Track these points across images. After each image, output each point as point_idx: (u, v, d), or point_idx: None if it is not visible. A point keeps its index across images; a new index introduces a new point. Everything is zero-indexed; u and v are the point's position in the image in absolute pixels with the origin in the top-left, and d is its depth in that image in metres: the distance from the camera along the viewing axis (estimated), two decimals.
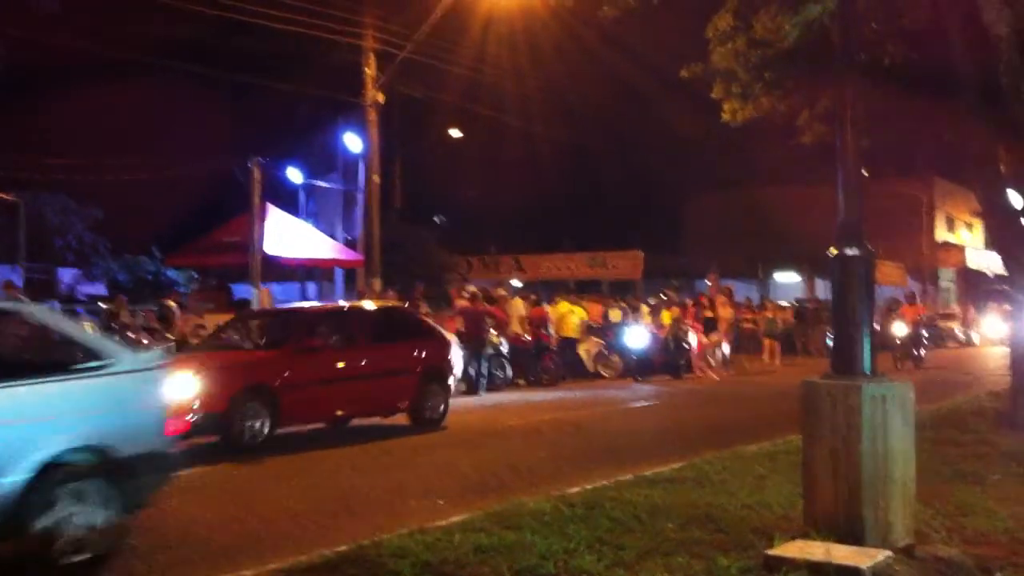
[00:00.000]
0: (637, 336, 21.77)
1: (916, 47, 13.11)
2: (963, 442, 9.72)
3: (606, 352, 22.38)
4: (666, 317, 22.47)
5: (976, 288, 48.84)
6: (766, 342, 26.41)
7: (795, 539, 5.60)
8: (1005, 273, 12.75)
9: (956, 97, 11.58)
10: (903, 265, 44.62)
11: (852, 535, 5.50)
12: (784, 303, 37.37)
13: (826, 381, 5.83)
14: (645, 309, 23.78)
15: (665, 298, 24.09)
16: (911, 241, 45.51)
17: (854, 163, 6.11)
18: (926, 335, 26.51)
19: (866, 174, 6.27)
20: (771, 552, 5.37)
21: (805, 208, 35.49)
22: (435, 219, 34.70)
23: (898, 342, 24.09)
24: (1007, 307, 39.99)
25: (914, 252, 46.03)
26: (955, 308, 44.90)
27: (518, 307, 21.73)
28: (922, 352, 24.70)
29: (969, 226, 52.38)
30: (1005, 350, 21.61)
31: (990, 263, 46.29)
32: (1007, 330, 18.80)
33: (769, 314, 27.35)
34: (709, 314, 23.14)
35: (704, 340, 22.54)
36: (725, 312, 23.35)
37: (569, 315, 22.54)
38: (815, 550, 5.28)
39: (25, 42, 24.56)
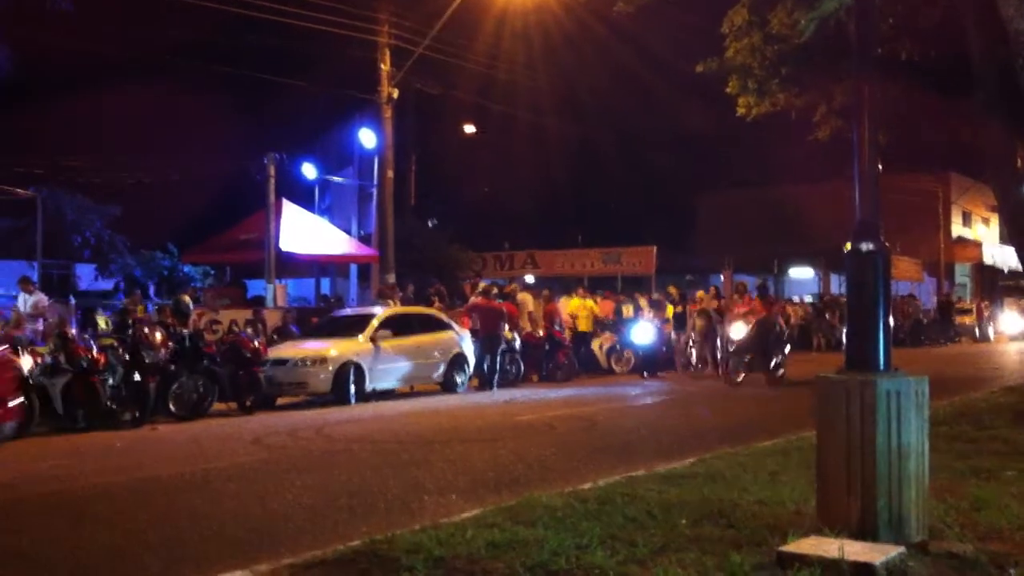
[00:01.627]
0: (643, 332, 21.72)
1: (933, 42, 13.08)
2: (978, 438, 9.68)
3: (619, 348, 22.39)
4: (670, 312, 22.37)
5: (992, 283, 48.60)
6: None
7: (808, 535, 5.58)
8: (1021, 268, 12.71)
9: (973, 93, 11.55)
10: (919, 260, 44.45)
11: (866, 531, 5.48)
12: (796, 298, 37.29)
13: (840, 376, 5.82)
14: (644, 303, 23.68)
15: (671, 293, 23.88)
16: (927, 236, 45.37)
17: (870, 158, 6.09)
18: (785, 341, 19.94)
19: (881, 169, 6.24)
20: (784, 548, 5.36)
21: (820, 203, 35.49)
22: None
23: (731, 348, 18.90)
24: (1023, 302, 39.52)
25: (930, 247, 45.86)
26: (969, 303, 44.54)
27: (527, 302, 21.75)
28: (774, 363, 18.45)
29: (985, 221, 52.18)
30: (1020, 346, 21.40)
31: (1006, 258, 46.07)
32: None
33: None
34: (679, 309, 22.87)
35: (673, 337, 22.26)
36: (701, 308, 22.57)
37: (580, 309, 22.56)
38: (828, 546, 5.27)
39: (43, 41, 24.73)
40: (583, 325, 22.48)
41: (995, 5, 10.90)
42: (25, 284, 18.62)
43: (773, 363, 18.38)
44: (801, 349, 30.32)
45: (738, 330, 18.65)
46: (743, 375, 18.23)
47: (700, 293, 23.59)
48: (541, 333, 21.08)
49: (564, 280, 34.62)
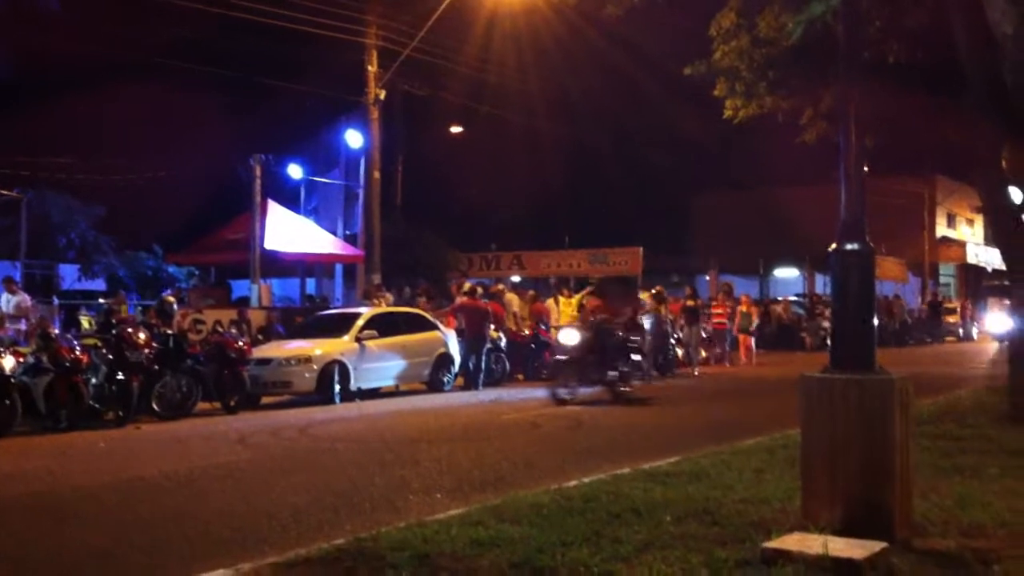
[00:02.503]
0: None
1: (920, 45, 13.13)
2: (962, 436, 9.72)
3: None
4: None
5: (976, 283, 48.94)
6: (740, 338, 25.04)
7: (793, 532, 5.61)
8: (1004, 268, 12.77)
9: (960, 95, 11.61)
10: (904, 261, 44.69)
11: (850, 528, 5.51)
12: (780, 298, 37.46)
13: (825, 375, 5.84)
14: (646, 296, 23.54)
15: (654, 293, 23.70)
16: (912, 237, 45.58)
17: (856, 160, 6.13)
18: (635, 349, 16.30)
19: (867, 171, 6.27)
20: (768, 545, 5.38)
21: (806, 204, 35.59)
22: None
23: (564, 357, 15.83)
24: (1006, 302, 39.73)
25: (915, 248, 46.09)
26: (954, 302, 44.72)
27: (512, 302, 21.68)
28: (614, 375, 15.77)
29: (970, 222, 52.49)
30: (1004, 345, 21.40)
31: (990, 258, 46.36)
32: (1007, 325, 18.40)
33: (743, 308, 25.07)
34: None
35: None
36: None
37: (566, 307, 22.40)
38: (812, 543, 5.29)
39: (30, 41, 24.61)
40: (567, 319, 22.40)
41: (982, 9, 10.96)
42: (8, 284, 18.55)
43: (613, 375, 15.76)
44: (788, 348, 30.51)
45: (568, 336, 16.06)
46: (571, 389, 15.35)
47: (645, 295, 23.11)
48: (527, 332, 21.05)
49: (550, 281, 34.65)
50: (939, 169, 45.55)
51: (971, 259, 49.64)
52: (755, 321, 25.75)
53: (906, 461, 5.69)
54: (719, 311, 25.05)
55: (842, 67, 6.30)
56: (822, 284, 39.45)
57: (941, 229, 50.26)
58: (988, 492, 6.98)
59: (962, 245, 50.14)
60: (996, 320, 35.08)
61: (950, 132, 15.82)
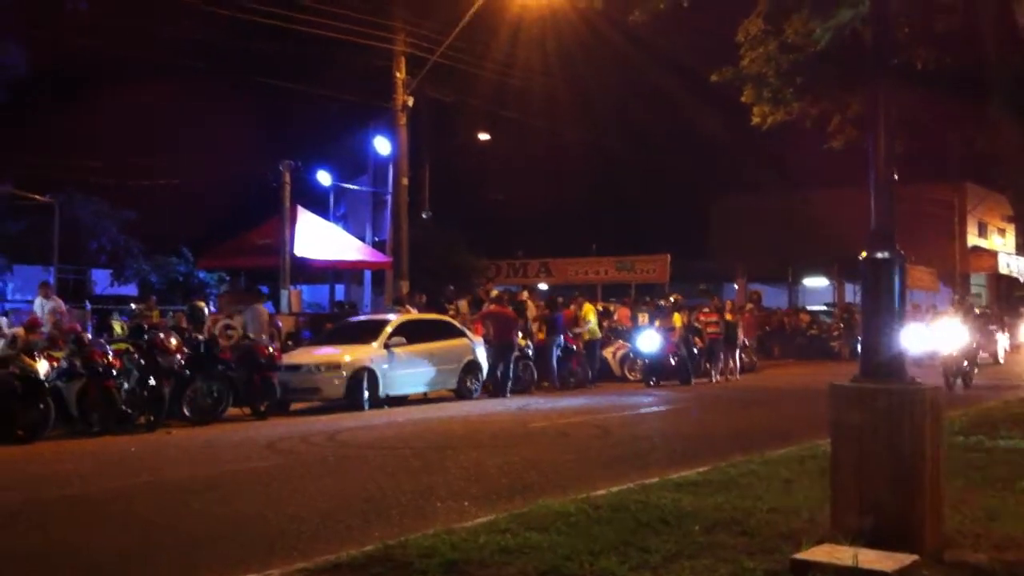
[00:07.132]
0: (649, 340, 21.48)
1: (949, 51, 13.06)
2: (993, 447, 9.63)
3: (631, 355, 22.28)
4: (677, 320, 22.06)
5: (1008, 293, 48.38)
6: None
7: (822, 543, 5.56)
8: None
9: (988, 100, 11.54)
10: (935, 270, 44.28)
11: (880, 539, 5.46)
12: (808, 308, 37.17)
13: (855, 385, 5.81)
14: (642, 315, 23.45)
15: (673, 302, 23.34)
16: (943, 246, 45.13)
17: (886, 167, 6.07)
18: None
19: (897, 178, 6.22)
20: (797, 556, 5.35)
21: (835, 212, 35.38)
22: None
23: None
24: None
25: (946, 257, 45.63)
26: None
27: (529, 310, 21.52)
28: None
29: (1001, 232, 51.93)
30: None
31: (1022, 268, 45.82)
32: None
33: (729, 316, 22.92)
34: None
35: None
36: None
37: (589, 315, 22.18)
38: (842, 554, 5.25)
39: (60, 45, 24.91)
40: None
41: (1011, 14, 10.90)
42: (44, 289, 18.76)
43: None
44: (819, 357, 30.37)
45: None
46: None
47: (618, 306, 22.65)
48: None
49: (578, 288, 34.64)
50: (969, 176, 45.16)
51: (1003, 269, 49.10)
52: (741, 332, 23.32)
53: (936, 472, 5.64)
54: (713, 319, 22.78)
55: (871, 73, 6.26)
56: (852, 293, 39.16)
57: (972, 238, 49.76)
58: (1020, 504, 6.92)
59: (994, 255, 49.61)
60: None
61: (978, 137, 15.74)
